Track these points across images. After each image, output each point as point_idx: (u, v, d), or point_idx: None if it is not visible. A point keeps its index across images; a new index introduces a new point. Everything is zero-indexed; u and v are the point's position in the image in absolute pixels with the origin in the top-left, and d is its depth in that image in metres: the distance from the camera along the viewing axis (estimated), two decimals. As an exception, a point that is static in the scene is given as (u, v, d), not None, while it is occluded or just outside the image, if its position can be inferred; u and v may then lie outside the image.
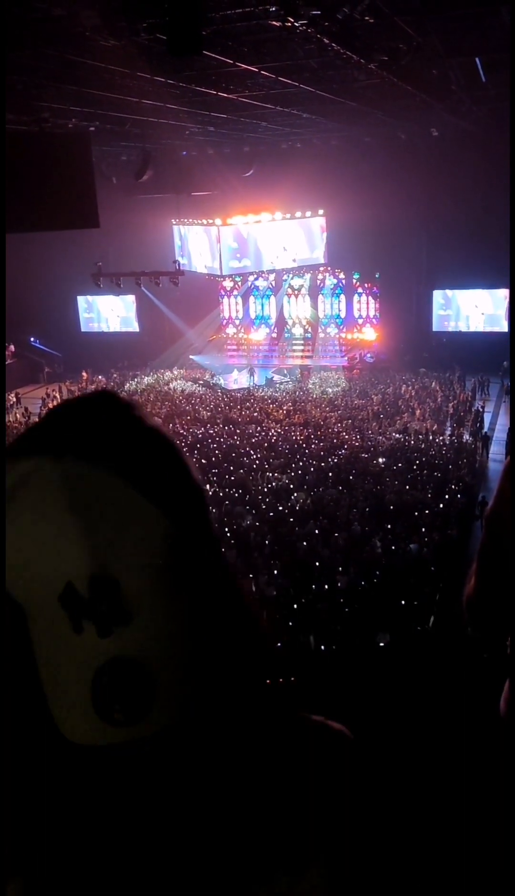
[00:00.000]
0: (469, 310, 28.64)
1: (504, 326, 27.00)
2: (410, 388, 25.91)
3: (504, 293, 26.65)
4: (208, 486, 16.43)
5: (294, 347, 32.52)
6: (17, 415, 26.09)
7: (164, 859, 0.77)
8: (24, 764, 0.78)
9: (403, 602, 10.75)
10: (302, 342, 32.51)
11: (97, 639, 0.70)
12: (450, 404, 23.63)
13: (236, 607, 0.85)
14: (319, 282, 31.92)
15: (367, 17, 8.63)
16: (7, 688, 0.78)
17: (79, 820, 0.77)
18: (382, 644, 9.60)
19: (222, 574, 0.83)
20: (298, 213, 29.00)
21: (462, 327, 28.81)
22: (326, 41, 9.31)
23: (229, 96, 13.25)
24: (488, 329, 28.00)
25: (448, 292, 28.80)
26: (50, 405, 26.67)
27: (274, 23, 8.68)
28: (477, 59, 11.65)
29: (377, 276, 29.97)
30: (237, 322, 33.74)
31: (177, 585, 0.73)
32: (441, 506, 14.86)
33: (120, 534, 0.69)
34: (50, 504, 0.68)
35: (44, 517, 0.68)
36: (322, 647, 9.74)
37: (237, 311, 33.76)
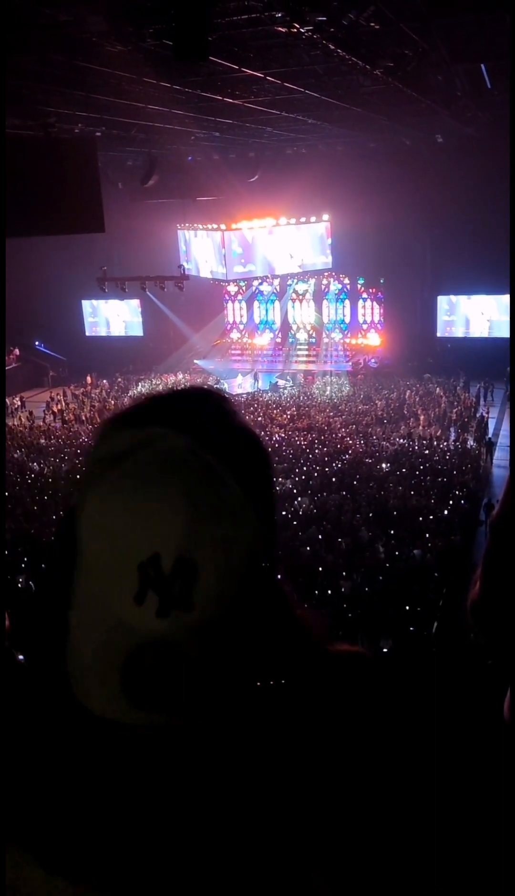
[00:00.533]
0: (473, 316, 28.63)
1: (507, 332, 26.97)
2: (414, 393, 25.90)
3: (508, 299, 26.64)
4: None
5: (299, 352, 32.55)
6: (22, 418, 26.13)
7: (180, 848, 0.77)
8: (36, 728, 0.78)
9: (407, 608, 10.72)
10: (306, 347, 32.55)
11: (153, 616, 0.69)
12: (454, 410, 23.61)
13: (289, 627, 0.86)
14: (324, 287, 31.96)
15: (372, 24, 8.65)
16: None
17: (94, 794, 0.76)
18: (385, 650, 9.58)
19: (276, 586, 0.85)
20: (303, 219, 29.04)
21: (467, 333, 28.80)
22: (331, 47, 9.34)
23: (235, 102, 13.29)
24: (492, 335, 27.98)
25: (453, 298, 28.80)
26: (54, 409, 26.78)
27: (280, 29, 8.72)
28: (483, 66, 11.67)
29: (381, 281, 30.01)
30: (242, 327, 33.79)
31: (246, 589, 0.74)
32: (446, 512, 14.83)
33: (217, 525, 0.70)
34: (167, 475, 0.70)
35: (158, 484, 0.70)
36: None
37: (242, 316, 33.81)
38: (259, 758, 0.81)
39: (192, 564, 0.69)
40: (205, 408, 0.78)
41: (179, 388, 0.82)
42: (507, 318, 27.34)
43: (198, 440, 0.72)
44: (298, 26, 8.37)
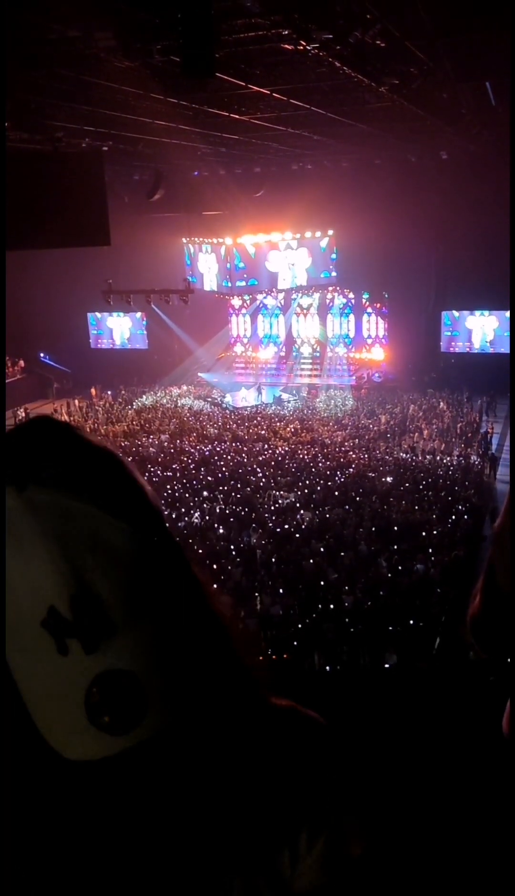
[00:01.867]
0: (477, 331, 28.68)
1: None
2: (418, 408, 25.91)
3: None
4: (214, 504, 16.40)
5: (302, 366, 32.61)
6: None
7: (161, 856, 0.82)
8: (22, 786, 0.80)
9: (410, 622, 10.68)
10: (310, 361, 32.61)
11: (84, 656, 0.71)
12: (458, 425, 23.60)
13: (206, 613, 0.86)
14: (328, 301, 32.06)
15: (378, 42, 8.72)
16: None
17: (80, 832, 0.80)
18: (388, 665, 9.53)
19: (190, 577, 0.85)
20: (308, 234, 29.17)
21: (471, 348, 28.85)
22: (337, 64, 9.41)
23: (241, 118, 13.37)
24: (496, 350, 28.02)
25: (457, 313, 28.87)
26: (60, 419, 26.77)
27: (287, 46, 8.79)
28: (488, 84, 11.75)
29: (385, 295, 30.10)
30: (245, 340, 33.88)
31: (152, 592, 0.75)
32: (449, 526, 14.80)
33: (91, 551, 0.71)
34: (19, 534, 0.70)
35: (15, 548, 0.70)
36: (328, 668, 9.67)
37: (246, 330, 33.91)
38: (225, 760, 0.85)
39: (89, 595, 0.70)
40: (26, 450, 0.76)
41: (14, 430, 0.80)
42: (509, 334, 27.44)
43: (28, 488, 0.71)
44: (304, 44, 8.44)
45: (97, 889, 0.80)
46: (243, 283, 29.64)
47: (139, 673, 0.73)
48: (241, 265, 29.30)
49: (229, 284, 29.18)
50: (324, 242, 29.72)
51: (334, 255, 29.95)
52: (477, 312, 28.25)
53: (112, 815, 0.80)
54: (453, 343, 29.26)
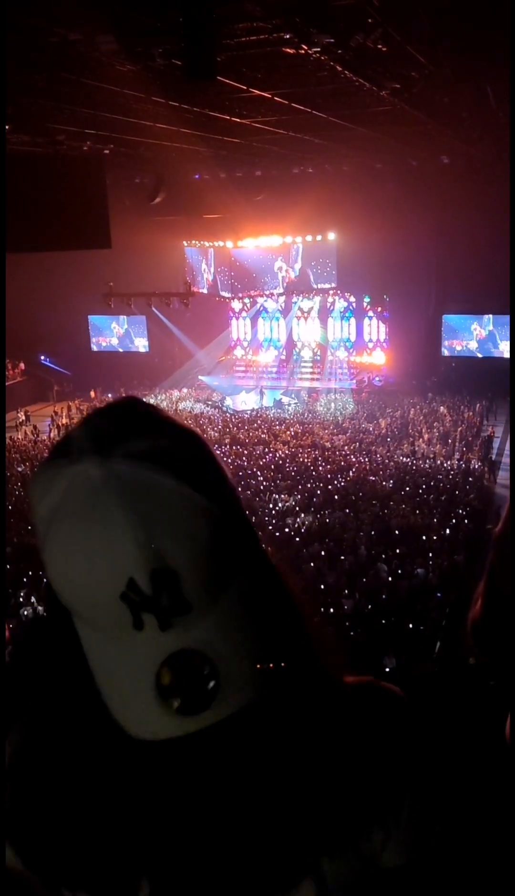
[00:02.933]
0: (478, 335, 28.71)
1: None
2: (418, 412, 25.92)
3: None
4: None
5: (303, 369, 32.62)
6: (27, 432, 26.18)
7: (235, 842, 0.81)
8: (88, 764, 0.81)
9: (410, 626, 10.66)
10: (311, 364, 32.62)
11: (159, 633, 0.71)
12: (459, 429, 23.60)
13: (280, 592, 0.86)
14: (329, 304, 32.07)
15: (380, 46, 8.73)
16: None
17: (150, 811, 0.80)
18: (388, 669, 9.51)
19: (265, 560, 0.86)
20: (308, 237, 29.20)
21: (471, 352, 28.87)
22: (339, 68, 9.43)
23: (242, 121, 13.40)
24: (496, 354, 28.04)
25: (458, 317, 28.89)
26: (59, 423, 26.83)
27: (288, 50, 8.80)
28: (488, 88, 11.77)
29: (385, 297, 30.13)
30: (246, 344, 33.89)
31: (228, 573, 0.75)
32: (447, 531, 14.78)
33: (173, 526, 0.70)
34: (103, 504, 0.70)
35: (99, 518, 0.70)
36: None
37: (246, 333, 33.92)
38: (304, 742, 0.84)
39: (168, 571, 0.70)
40: (113, 423, 0.77)
41: (105, 407, 0.81)
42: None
43: (113, 459, 0.72)
44: (306, 48, 8.46)
45: (163, 870, 0.81)
46: (248, 284, 29.71)
47: (212, 654, 0.73)
48: (244, 267, 29.39)
49: (231, 287, 29.23)
50: (326, 246, 29.70)
51: (335, 259, 29.92)
52: (485, 318, 28.26)
53: (183, 796, 0.80)
54: (454, 346, 29.28)
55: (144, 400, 0.83)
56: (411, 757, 0.91)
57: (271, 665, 0.78)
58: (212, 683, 0.72)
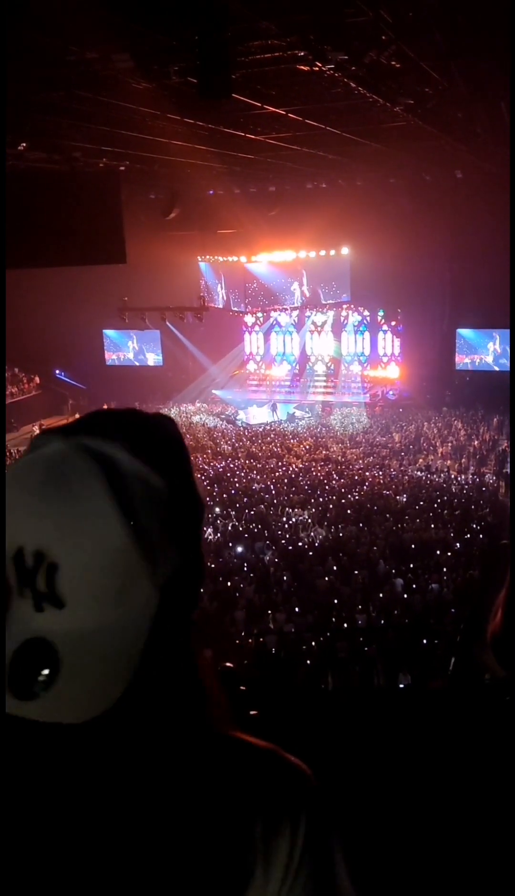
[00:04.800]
0: (492, 349, 28.64)
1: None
2: (432, 426, 25.84)
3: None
4: (227, 521, 16.38)
5: (316, 383, 32.62)
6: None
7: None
8: None
9: (424, 642, 10.58)
10: (324, 378, 32.62)
11: (33, 612, 0.73)
12: (473, 443, 23.50)
13: (183, 639, 0.86)
14: (343, 319, 32.11)
15: (393, 62, 8.79)
16: None
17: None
18: (402, 685, 9.43)
19: (182, 613, 0.84)
20: (322, 252, 29.29)
21: (487, 366, 28.80)
22: (352, 85, 9.50)
23: (257, 138, 13.50)
24: (509, 368, 27.95)
25: (471, 331, 28.84)
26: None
27: (302, 67, 8.87)
28: (502, 103, 11.80)
29: (399, 311, 30.14)
30: (258, 358, 33.97)
31: (121, 596, 0.75)
32: (458, 545, 14.68)
33: (76, 526, 0.73)
34: (35, 472, 0.75)
35: (26, 481, 0.75)
36: (341, 687, 9.58)
37: (259, 348, 34.00)
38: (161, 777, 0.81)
39: (49, 559, 0.72)
40: (99, 420, 0.81)
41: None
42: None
43: (71, 440, 0.76)
44: (320, 65, 8.53)
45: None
46: (262, 299, 29.81)
47: (67, 653, 0.73)
48: (257, 282, 29.51)
49: (244, 302, 29.35)
50: (339, 260, 29.76)
51: (349, 273, 29.99)
52: (492, 330, 28.19)
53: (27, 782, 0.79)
54: (468, 360, 29.21)
55: (156, 417, 0.87)
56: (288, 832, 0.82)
57: (143, 692, 0.77)
58: (45, 674, 0.73)
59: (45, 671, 0.73)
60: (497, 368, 28.48)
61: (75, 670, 0.74)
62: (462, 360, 29.26)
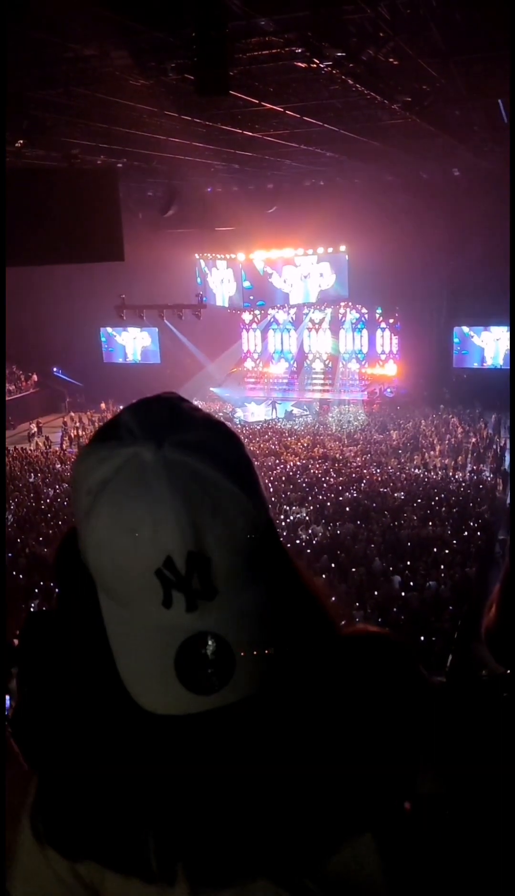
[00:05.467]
0: (490, 347, 28.65)
1: None
2: (430, 423, 25.86)
3: None
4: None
5: (314, 381, 32.63)
6: (39, 444, 26.29)
7: (247, 819, 0.88)
8: (101, 733, 0.88)
9: (421, 639, 10.59)
10: (322, 376, 32.62)
11: (184, 613, 0.76)
12: (471, 441, 23.53)
13: (300, 586, 0.93)
14: (340, 316, 32.10)
15: (391, 59, 8.78)
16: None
17: (156, 781, 0.87)
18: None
19: (287, 559, 0.92)
20: (320, 249, 29.28)
21: (483, 364, 28.81)
22: (350, 82, 9.49)
23: (255, 135, 13.49)
24: (507, 366, 27.97)
25: (467, 329, 28.85)
26: (71, 433, 26.94)
27: (300, 64, 8.86)
28: (500, 101, 11.80)
29: (396, 308, 30.14)
30: (256, 356, 33.96)
31: (256, 565, 0.81)
32: (456, 542, 14.70)
33: (213, 515, 0.75)
34: (154, 485, 0.75)
35: (148, 497, 0.75)
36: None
37: (256, 345, 33.98)
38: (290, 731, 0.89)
39: (203, 556, 0.75)
40: (162, 414, 0.82)
41: (150, 398, 0.87)
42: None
43: (165, 446, 0.77)
44: (317, 62, 8.52)
45: (166, 835, 0.87)
46: (260, 296, 29.80)
47: (231, 638, 0.77)
48: (256, 279, 29.48)
49: (242, 299, 29.34)
50: (337, 258, 29.75)
51: (346, 271, 29.97)
52: (493, 328, 28.19)
53: (187, 771, 0.86)
54: (465, 358, 29.22)
55: (183, 397, 0.88)
56: (426, 711, 0.99)
57: (284, 656, 0.82)
58: (227, 666, 0.77)
59: (226, 662, 0.77)
60: (493, 367, 28.49)
61: (245, 650, 0.78)
62: (460, 359, 29.27)
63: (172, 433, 0.78)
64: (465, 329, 28.77)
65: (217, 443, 0.81)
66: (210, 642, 0.77)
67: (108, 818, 0.89)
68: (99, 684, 0.84)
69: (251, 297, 29.80)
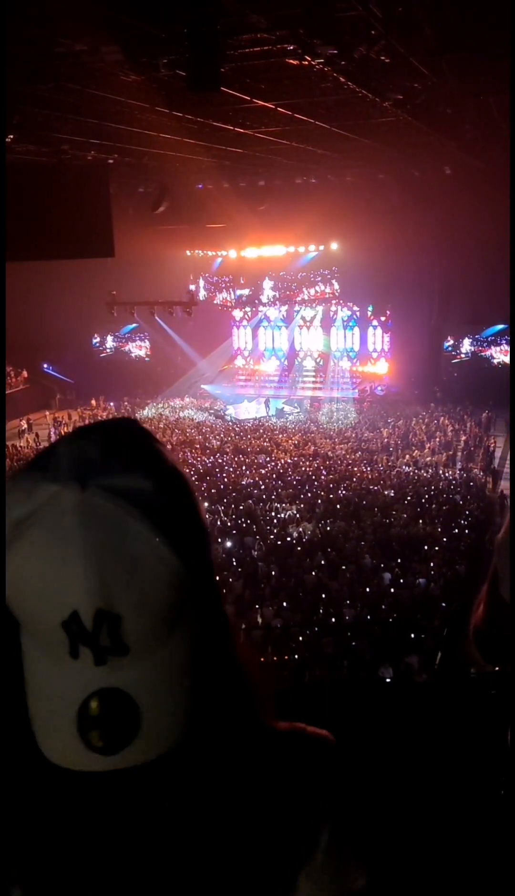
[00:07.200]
0: (480, 344, 28.74)
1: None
2: (420, 421, 25.92)
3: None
4: (216, 516, 16.39)
5: (305, 378, 32.65)
6: (29, 440, 26.21)
7: (157, 875, 0.82)
8: (6, 779, 0.81)
9: (411, 636, 10.63)
10: (313, 373, 32.65)
11: (92, 666, 0.71)
12: (462, 439, 23.60)
13: (227, 647, 0.86)
14: (332, 314, 32.11)
15: (383, 57, 8.79)
16: None
17: (68, 838, 0.81)
18: (388, 679, 9.48)
19: (219, 616, 0.85)
20: (311, 247, 29.27)
21: (473, 361, 28.91)
22: (342, 80, 9.47)
23: (246, 132, 13.45)
24: (498, 363, 28.08)
25: (461, 327, 28.94)
26: (62, 430, 26.83)
27: (292, 61, 8.85)
28: (491, 100, 11.81)
29: (387, 306, 30.20)
30: (246, 353, 33.93)
31: (177, 624, 0.75)
32: (446, 540, 14.75)
33: (131, 572, 0.69)
34: (70, 532, 0.69)
35: (62, 543, 0.69)
36: (327, 681, 9.61)
37: (247, 343, 33.97)
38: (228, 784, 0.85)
39: (112, 614, 0.69)
40: (97, 450, 0.74)
41: (96, 426, 0.78)
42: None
43: (89, 489, 0.70)
44: (309, 59, 8.50)
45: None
46: (250, 293, 29.81)
47: (140, 697, 0.72)
48: (247, 276, 29.49)
49: (233, 296, 29.32)
50: (329, 255, 29.68)
51: (337, 268, 29.95)
52: (481, 325, 28.29)
53: (100, 825, 0.80)
54: (456, 356, 29.33)
55: (142, 425, 0.81)
56: (328, 798, 0.91)
57: (203, 712, 0.78)
58: (130, 728, 0.72)
59: (129, 721, 0.72)
60: (483, 364, 28.58)
61: (154, 712, 0.73)
62: (451, 356, 29.37)
63: (102, 475, 0.71)
64: (461, 327, 28.83)
65: (153, 491, 0.72)
66: (115, 701, 0.71)
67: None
68: (6, 722, 0.78)
69: (251, 286, 29.69)
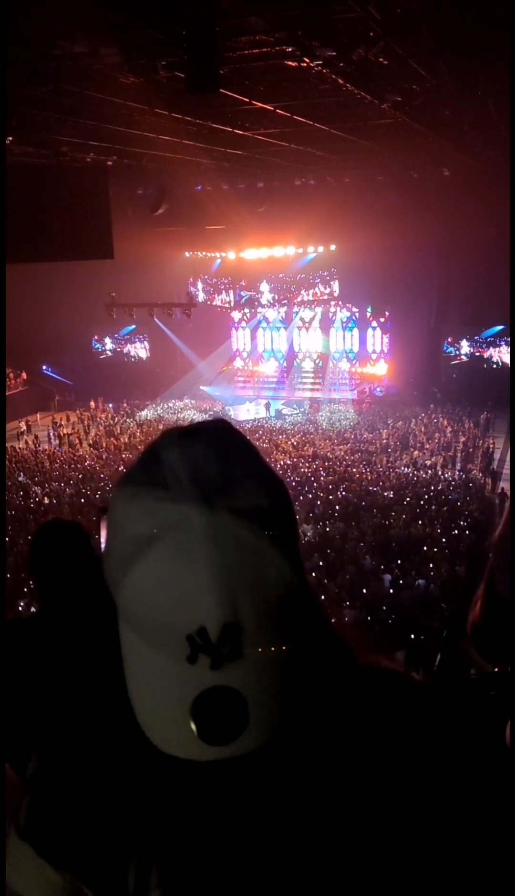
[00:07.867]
0: (479, 346, 28.76)
1: None
2: (419, 422, 25.93)
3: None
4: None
5: (304, 380, 32.66)
6: (28, 442, 26.21)
7: (262, 866, 0.88)
8: (100, 753, 0.89)
9: (411, 637, 10.63)
10: (312, 374, 32.67)
11: (208, 670, 0.75)
12: (461, 440, 23.61)
13: (325, 630, 0.95)
14: (331, 315, 32.13)
15: (381, 59, 8.79)
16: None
17: (159, 816, 0.88)
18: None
19: (314, 605, 0.92)
20: (310, 248, 29.29)
21: (473, 362, 28.92)
22: (340, 81, 9.48)
23: (245, 133, 13.46)
24: (497, 364, 28.09)
25: (460, 328, 28.97)
26: (61, 432, 26.83)
27: (290, 63, 8.85)
28: (490, 101, 11.83)
29: (386, 308, 30.23)
30: (245, 355, 33.94)
31: (285, 627, 0.79)
32: (445, 541, 14.75)
33: (254, 586, 0.74)
34: (199, 552, 0.73)
35: (191, 562, 0.73)
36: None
37: (245, 344, 33.98)
38: (309, 776, 0.90)
39: (237, 626, 0.74)
40: (215, 468, 0.78)
41: (186, 432, 0.83)
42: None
43: (215, 510, 0.75)
44: (308, 61, 8.51)
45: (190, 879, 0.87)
46: (249, 295, 29.82)
47: (249, 694, 0.76)
48: (245, 278, 29.49)
49: (232, 298, 29.34)
50: (327, 256, 29.70)
51: (336, 269, 29.97)
52: (480, 327, 28.30)
53: (193, 812, 0.87)
54: (455, 357, 29.35)
55: (238, 429, 0.86)
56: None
57: (301, 705, 0.82)
58: (241, 721, 0.76)
59: (240, 716, 0.76)
60: (483, 365, 28.59)
61: (260, 704, 0.77)
62: (450, 357, 29.38)
63: (225, 496, 0.76)
64: (456, 326, 28.85)
65: (270, 505, 0.78)
66: (225, 698, 0.76)
67: (92, 837, 0.89)
68: (105, 705, 0.84)
69: (249, 288, 29.72)
